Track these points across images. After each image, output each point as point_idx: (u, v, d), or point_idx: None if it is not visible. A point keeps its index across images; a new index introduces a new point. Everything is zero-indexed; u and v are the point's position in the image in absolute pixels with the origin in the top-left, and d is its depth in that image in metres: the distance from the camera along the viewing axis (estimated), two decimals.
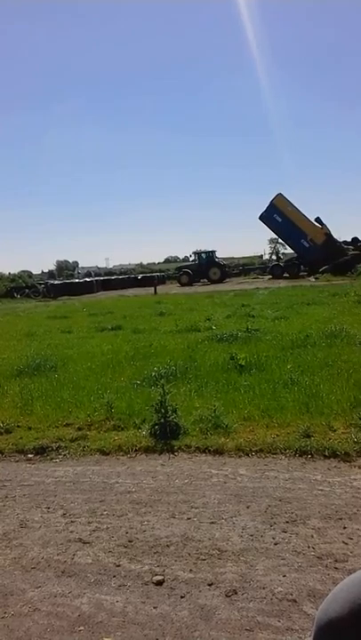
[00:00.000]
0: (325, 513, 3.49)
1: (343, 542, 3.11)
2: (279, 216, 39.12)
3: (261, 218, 40.38)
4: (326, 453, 4.46)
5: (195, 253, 43.43)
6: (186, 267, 43.97)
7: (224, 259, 45.93)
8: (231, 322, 13.34)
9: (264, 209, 40.09)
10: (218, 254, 44.34)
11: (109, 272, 65.89)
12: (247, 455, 4.64)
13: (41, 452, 5.17)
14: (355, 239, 40.23)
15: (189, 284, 40.15)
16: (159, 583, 2.86)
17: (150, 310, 18.83)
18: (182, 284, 40.01)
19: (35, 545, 3.41)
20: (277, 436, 4.92)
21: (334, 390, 6.01)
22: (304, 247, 38.68)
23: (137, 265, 73.73)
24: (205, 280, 40.48)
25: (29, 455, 5.15)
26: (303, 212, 38.95)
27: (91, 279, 47.21)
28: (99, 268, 76.20)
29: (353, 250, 36.79)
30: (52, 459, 5.04)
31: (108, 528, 3.55)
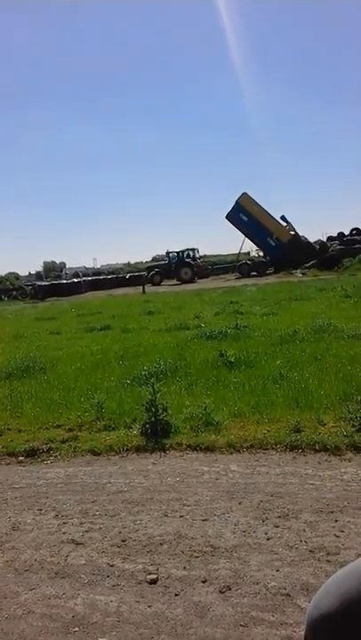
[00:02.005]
0: (317, 507, 3.51)
1: (335, 535, 3.13)
2: (245, 215, 39.59)
3: (228, 217, 40.78)
4: (317, 447, 4.49)
5: (167, 253, 43.33)
6: (156, 266, 43.79)
7: (212, 256, 45.84)
8: (220, 319, 13.36)
9: (230, 208, 40.45)
10: (206, 251, 44.37)
11: (97, 272, 65.57)
12: (238, 451, 4.65)
13: (32, 454, 5.14)
14: (340, 234, 40.63)
15: (159, 283, 40.06)
16: (153, 582, 2.87)
17: (139, 309, 18.81)
18: (155, 284, 39.72)
19: (27, 547, 3.40)
20: (268, 431, 4.94)
21: (323, 384, 6.05)
22: (270, 246, 39.27)
23: (125, 264, 73.42)
24: (175, 279, 40.07)
25: (20, 457, 5.12)
26: (269, 211, 39.59)
27: (79, 279, 46.93)
28: (86, 269, 75.83)
29: (338, 244, 37.10)
30: (43, 460, 5.01)
31: (100, 528, 3.54)
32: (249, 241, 42.08)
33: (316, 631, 0.73)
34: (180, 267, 41.07)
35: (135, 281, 41.25)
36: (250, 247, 44.87)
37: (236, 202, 40.07)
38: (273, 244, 38.87)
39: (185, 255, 42.20)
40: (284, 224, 39.31)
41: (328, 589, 0.74)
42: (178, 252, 42.44)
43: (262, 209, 39.50)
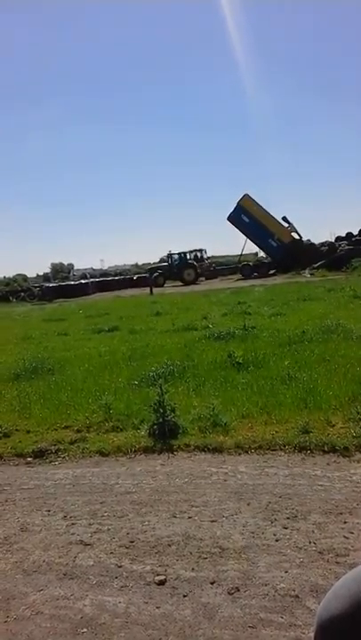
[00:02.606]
0: (326, 508, 3.49)
1: (344, 537, 3.11)
2: (246, 216, 39.51)
3: (229, 219, 40.71)
4: (325, 448, 4.47)
5: (168, 254, 43.02)
6: (158, 268, 43.30)
7: (220, 257, 45.66)
8: (228, 320, 13.34)
9: (232, 210, 40.43)
10: (214, 252, 44.21)
11: (105, 273, 65.63)
12: (246, 452, 4.64)
13: (40, 455, 5.16)
14: (349, 234, 40.46)
15: (162, 284, 39.77)
16: (161, 583, 2.86)
17: (146, 310, 18.82)
18: (158, 285, 39.36)
19: (36, 548, 3.40)
20: (276, 432, 4.92)
21: (332, 385, 6.02)
22: (272, 247, 39.18)
23: (132, 265, 73.51)
24: (178, 281, 39.56)
25: (28, 458, 5.14)
26: (270, 212, 39.52)
27: (86, 281, 47.02)
28: (94, 270, 75.96)
29: (347, 245, 36.98)
30: (51, 461, 5.02)
31: (109, 529, 3.54)
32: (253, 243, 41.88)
33: (326, 633, 0.73)
34: (183, 268, 40.99)
35: (143, 282, 41.16)
36: (258, 248, 44.65)
37: (238, 203, 40.06)
38: (275, 244, 38.86)
39: (188, 256, 42.06)
40: (286, 225, 39.34)
41: (338, 591, 0.73)
42: (179, 254, 42.30)
43: (263, 210, 39.51)
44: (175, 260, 41.92)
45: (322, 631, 0.73)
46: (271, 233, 38.75)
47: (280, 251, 38.25)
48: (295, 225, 39.32)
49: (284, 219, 39.35)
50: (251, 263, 41.32)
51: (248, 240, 41.22)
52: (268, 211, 39.48)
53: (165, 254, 43.03)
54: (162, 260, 43.79)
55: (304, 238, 39.30)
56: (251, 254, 44.29)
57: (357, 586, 0.70)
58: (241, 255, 44.18)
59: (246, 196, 39.83)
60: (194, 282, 39.53)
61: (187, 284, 38.96)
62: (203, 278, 41.23)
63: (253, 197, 39.73)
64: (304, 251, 36.88)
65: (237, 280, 36.51)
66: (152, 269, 44.18)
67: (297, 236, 38.93)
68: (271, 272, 37.96)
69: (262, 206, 39.54)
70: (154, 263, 48.57)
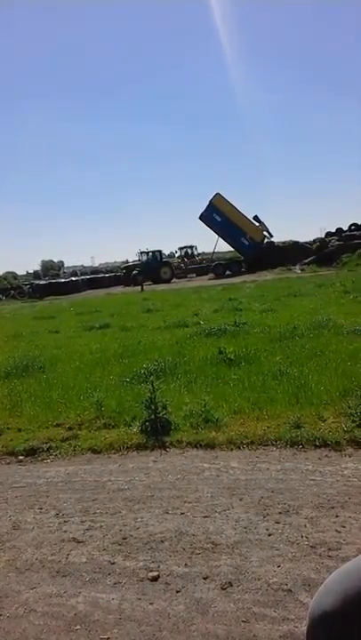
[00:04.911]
0: (318, 502, 3.51)
1: (336, 530, 3.13)
2: (218, 215, 39.94)
3: (201, 218, 41.02)
4: (317, 443, 4.49)
5: (141, 252, 42.49)
6: (133, 266, 42.66)
7: (211, 254, 45.63)
8: (219, 316, 13.35)
9: (204, 209, 40.68)
10: (205, 249, 44.34)
11: (95, 270, 65.51)
12: (239, 448, 4.65)
13: (32, 453, 5.14)
14: (339, 230, 40.72)
15: (141, 283, 39.59)
16: (154, 579, 2.86)
17: (138, 307, 18.79)
18: (137, 284, 38.99)
19: (28, 546, 3.39)
20: (268, 427, 4.93)
21: (323, 380, 6.05)
22: (244, 245, 39.75)
23: (123, 262, 73.43)
24: (151, 282, 38.99)
25: (20, 457, 5.11)
26: (242, 211, 40.02)
27: (77, 278, 46.89)
28: (84, 267, 75.84)
29: (337, 240, 37.21)
30: (43, 459, 5.01)
31: (101, 526, 3.54)
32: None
33: (318, 629, 0.73)
34: (159, 266, 40.99)
35: (134, 279, 40.96)
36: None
37: (210, 202, 40.49)
38: (247, 243, 39.55)
39: (178, 253, 42.11)
40: (257, 224, 39.76)
41: (330, 587, 0.73)
42: (153, 252, 42.15)
43: (235, 209, 40.04)
44: (150, 258, 41.83)
45: (314, 627, 0.73)
46: (243, 232, 39.32)
47: (253, 249, 39.01)
48: (266, 224, 40.00)
49: (256, 218, 40.03)
50: (222, 262, 41.61)
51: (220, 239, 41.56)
52: (240, 210, 40.08)
53: (138, 252, 42.65)
54: (138, 259, 43.38)
55: (297, 238, 40.11)
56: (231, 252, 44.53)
57: (349, 581, 0.70)
58: (213, 254, 44.46)
59: (218, 195, 40.26)
60: (168, 281, 39.68)
61: (163, 282, 38.99)
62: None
63: (225, 196, 40.25)
64: (275, 249, 38.14)
65: (209, 279, 36.63)
66: (128, 267, 43.87)
67: (268, 235, 39.63)
68: (243, 270, 38.46)
69: (234, 205, 40.04)
70: (132, 262, 48.00)
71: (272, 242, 40.04)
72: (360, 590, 0.67)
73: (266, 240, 40.02)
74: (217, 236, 41.23)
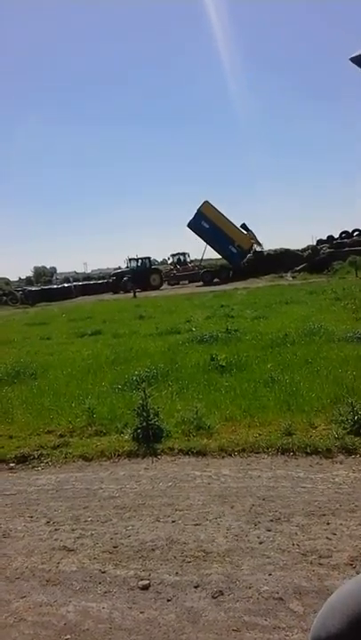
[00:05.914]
0: (309, 510, 3.51)
1: (327, 538, 3.14)
2: (206, 223, 40.29)
3: (189, 225, 41.35)
4: (308, 450, 4.50)
5: (130, 259, 42.58)
6: (122, 273, 42.93)
7: (199, 261, 45.75)
8: (211, 323, 13.37)
9: (192, 216, 41.04)
10: (196, 255, 44.64)
11: (88, 277, 65.30)
12: (230, 455, 4.65)
13: (22, 460, 5.11)
14: (330, 237, 41.02)
15: (130, 289, 39.50)
16: (145, 588, 2.85)
17: (130, 314, 18.77)
18: (126, 291, 38.88)
19: (18, 554, 3.37)
20: (259, 435, 4.94)
21: (314, 387, 6.07)
22: (232, 253, 40.10)
23: (115, 269, 73.38)
24: (140, 289, 38.22)
25: (11, 464, 5.08)
26: (230, 219, 40.41)
27: (69, 284, 46.78)
28: (77, 273, 75.59)
29: (328, 247, 37.47)
30: (34, 467, 4.98)
31: (92, 534, 3.52)
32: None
33: None
34: (149, 273, 41.15)
35: (124, 286, 40.98)
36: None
37: (198, 210, 40.81)
38: (235, 251, 39.91)
39: (169, 260, 42.29)
40: (245, 232, 40.07)
41: (334, 607, 0.72)
42: (142, 259, 42.34)
43: (223, 216, 40.40)
44: (138, 266, 41.97)
45: None
46: (231, 239, 39.63)
47: (240, 257, 39.41)
48: (254, 232, 40.53)
49: (244, 226, 40.40)
50: (210, 269, 41.86)
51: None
52: (229, 218, 40.49)
53: (127, 259, 42.77)
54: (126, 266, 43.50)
55: (289, 246, 40.65)
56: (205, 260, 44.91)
57: (354, 602, 0.69)
58: (201, 261, 44.66)
59: (206, 203, 40.61)
60: (157, 287, 39.84)
61: (152, 289, 39.12)
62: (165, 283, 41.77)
63: (213, 204, 40.64)
64: (263, 257, 38.73)
65: (197, 287, 36.73)
66: (118, 274, 43.93)
67: (257, 244, 40.02)
68: (230, 276, 38.79)
69: (222, 213, 40.39)
70: (121, 269, 47.99)
71: (260, 251, 40.39)
72: None
73: (255, 248, 40.30)
74: (205, 243, 41.48)
